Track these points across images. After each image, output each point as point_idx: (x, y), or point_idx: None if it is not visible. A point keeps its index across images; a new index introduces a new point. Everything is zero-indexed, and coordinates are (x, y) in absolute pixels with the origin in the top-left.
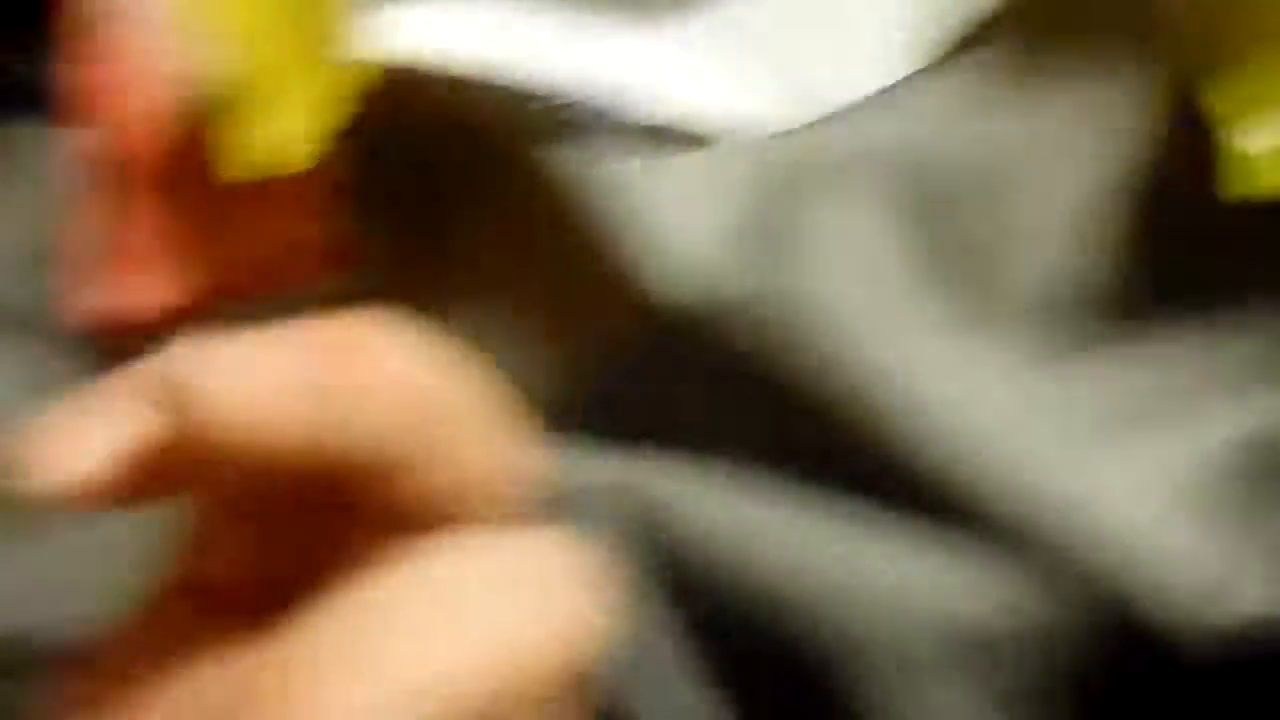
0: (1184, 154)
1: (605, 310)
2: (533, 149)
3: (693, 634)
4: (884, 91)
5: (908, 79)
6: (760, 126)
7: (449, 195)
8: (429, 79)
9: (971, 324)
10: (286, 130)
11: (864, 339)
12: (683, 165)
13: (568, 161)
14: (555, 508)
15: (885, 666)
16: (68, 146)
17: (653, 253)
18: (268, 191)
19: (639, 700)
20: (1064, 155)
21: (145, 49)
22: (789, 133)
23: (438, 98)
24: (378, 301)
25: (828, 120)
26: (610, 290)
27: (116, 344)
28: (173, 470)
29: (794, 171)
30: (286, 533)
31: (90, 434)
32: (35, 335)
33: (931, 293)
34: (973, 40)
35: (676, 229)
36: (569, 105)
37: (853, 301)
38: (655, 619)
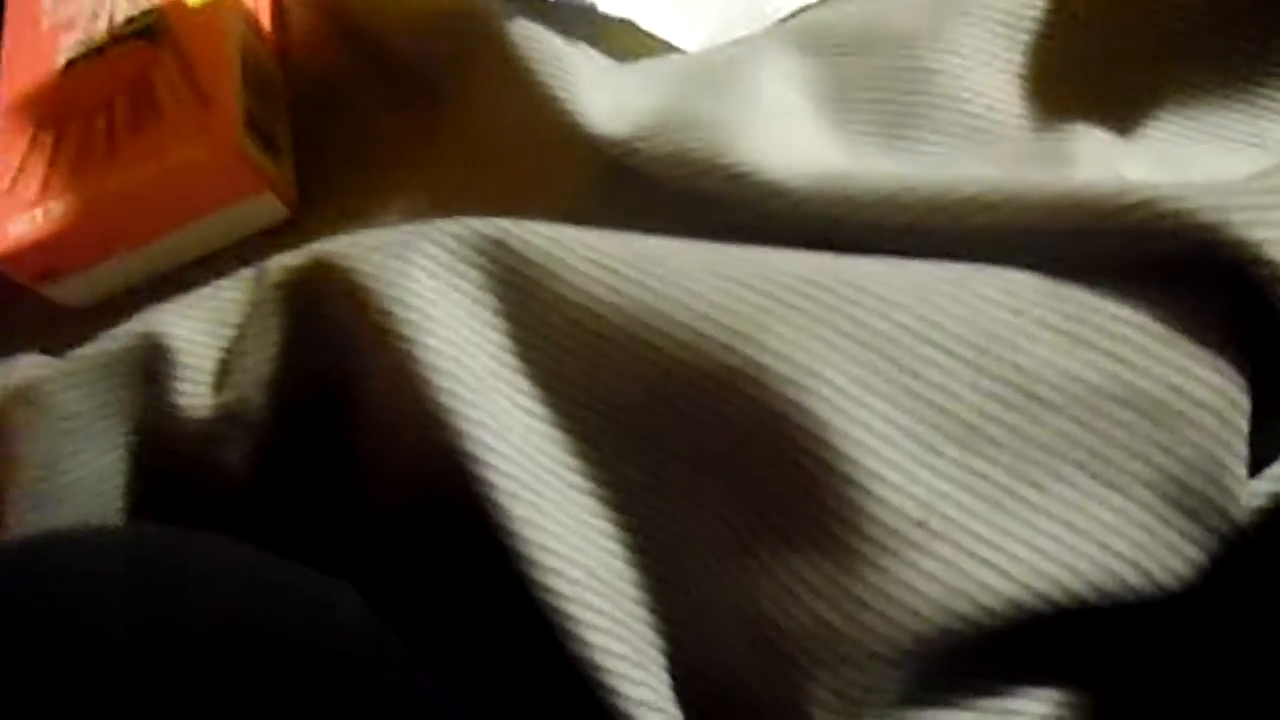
0: None
1: (564, 160)
2: (514, 29)
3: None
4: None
5: None
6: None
7: (439, 74)
8: None
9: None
10: None
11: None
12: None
13: (541, 42)
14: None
15: None
16: None
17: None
18: (154, 114)
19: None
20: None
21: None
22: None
23: None
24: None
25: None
26: (567, 144)
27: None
28: None
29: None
30: None
31: None
32: None
33: (836, 117)
34: None
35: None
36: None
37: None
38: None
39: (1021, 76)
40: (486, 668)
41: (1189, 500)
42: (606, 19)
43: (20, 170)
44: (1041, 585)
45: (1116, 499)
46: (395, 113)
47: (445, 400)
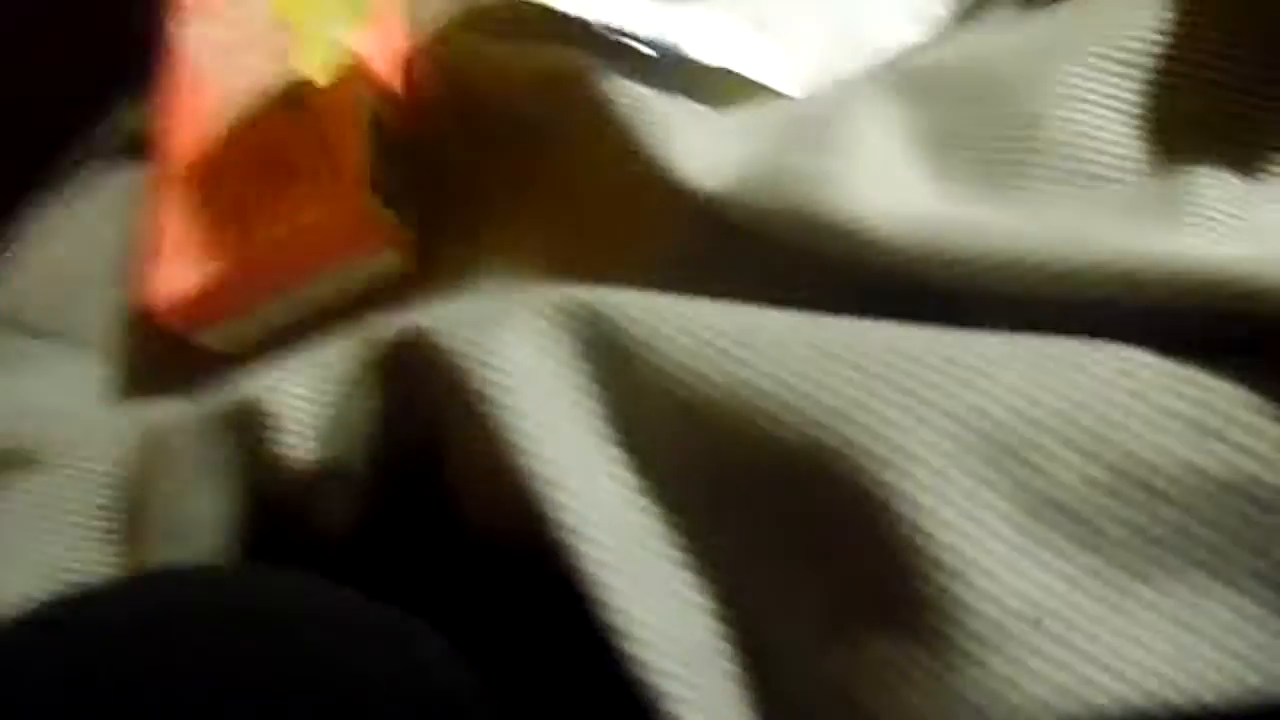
0: None
1: (661, 216)
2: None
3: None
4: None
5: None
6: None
7: (544, 134)
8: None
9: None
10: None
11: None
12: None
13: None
14: None
15: None
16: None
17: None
18: (292, 178)
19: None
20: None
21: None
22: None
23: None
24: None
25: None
26: (663, 199)
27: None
28: None
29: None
30: None
31: None
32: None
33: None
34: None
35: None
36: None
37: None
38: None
39: (1141, 119)
40: None
41: None
42: (705, 68)
43: (180, 229)
44: (1154, 685)
45: (1234, 597)
46: (503, 172)
47: (539, 470)
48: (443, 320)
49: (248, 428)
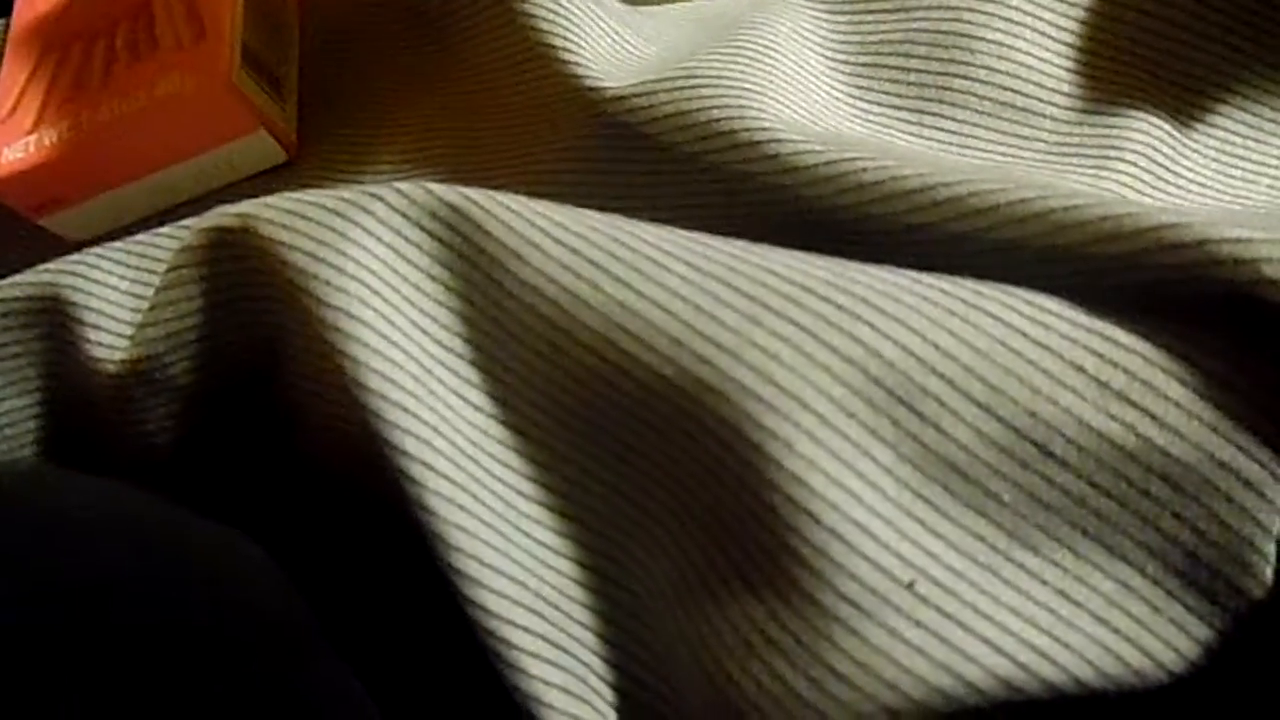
0: None
1: (563, 114)
2: None
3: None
4: None
5: None
6: None
7: (448, 19)
8: None
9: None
10: None
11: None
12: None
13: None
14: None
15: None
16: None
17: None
18: (150, 43)
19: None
20: None
21: None
22: None
23: None
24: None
25: None
26: (566, 96)
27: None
28: None
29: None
30: None
31: None
32: None
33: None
34: None
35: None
36: None
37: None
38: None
39: (1076, 50)
40: (411, 667)
41: (1201, 576)
42: None
43: (21, 97)
44: (1029, 658)
45: (1121, 569)
46: (402, 60)
47: (379, 389)
48: (281, 211)
49: (53, 321)
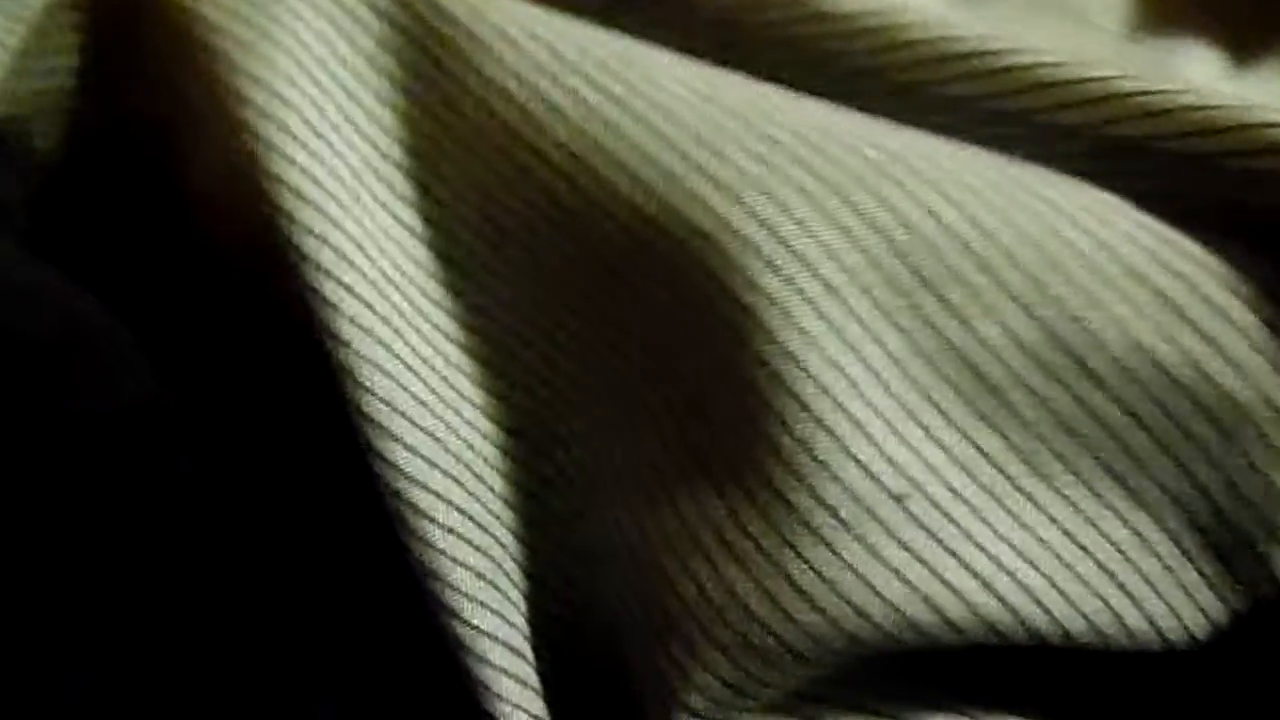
0: None
1: None
2: None
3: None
4: None
5: None
6: None
7: None
8: None
9: None
10: None
11: None
12: None
13: None
14: None
15: None
16: None
17: None
18: None
19: None
20: None
21: None
22: None
23: None
24: None
25: None
26: None
27: None
28: None
29: None
30: None
31: None
32: None
33: None
34: None
35: None
36: None
37: None
38: None
39: None
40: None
41: (1225, 539)
42: None
43: None
44: (1020, 603)
45: (1139, 519)
46: None
47: (293, 181)
48: None
49: None
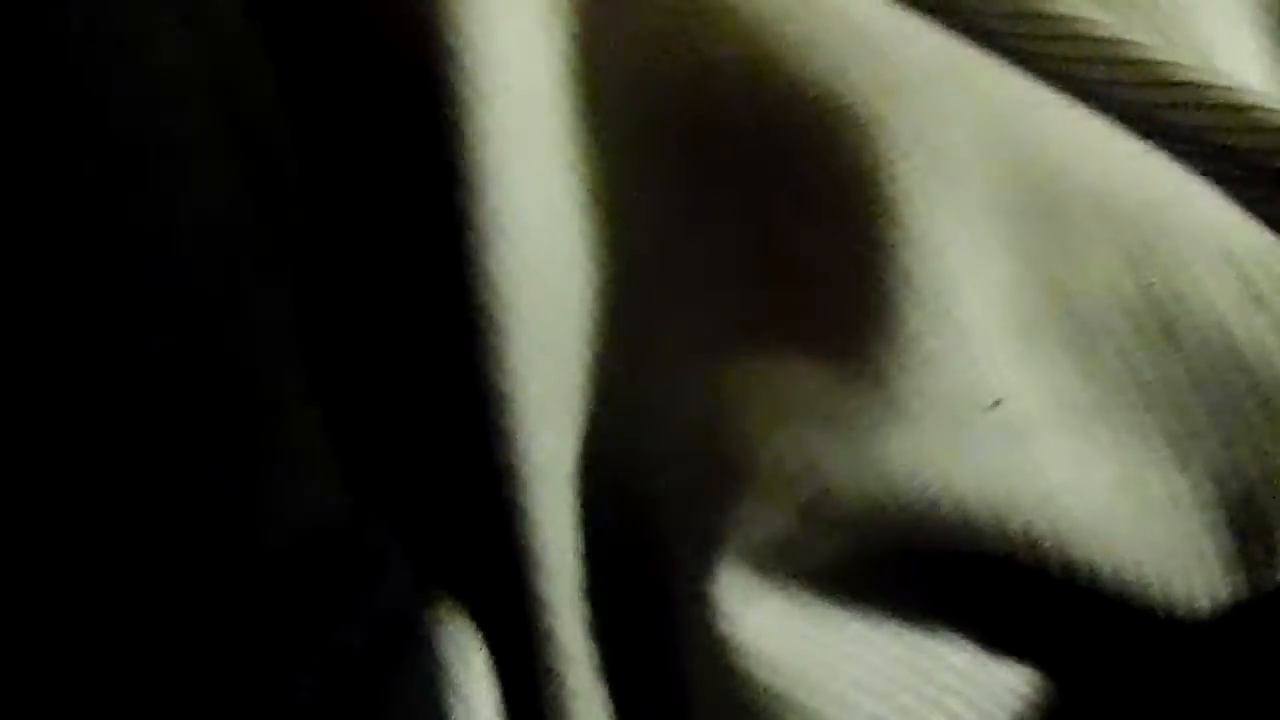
0: None
1: None
2: None
3: None
4: None
5: None
6: None
7: None
8: None
9: None
10: None
11: None
12: None
13: None
14: None
15: None
16: None
17: None
18: None
19: None
20: None
21: None
22: None
23: None
24: None
25: None
26: None
27: None
28: None
29: None
30: None
31: None
32: None
33: None
34: None
35: None
36: None
37: None
38: None
39: None
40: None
41: (1247, 522)
42: None
43: None
44: (1069, 531)
45: (1178, 482)
46: None
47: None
48: None
49: None
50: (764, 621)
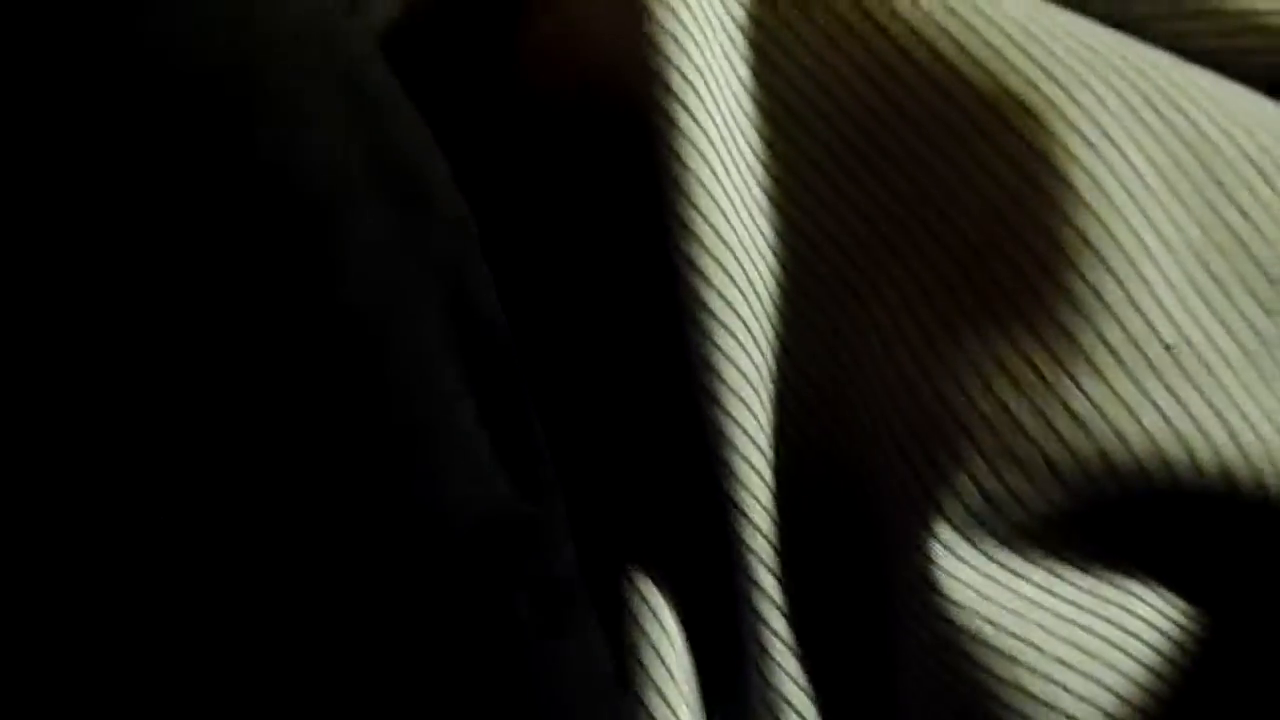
0: None
1: None
2: None
3: None
4: None
5: None
6: None
7: None
8: None
9: None
10: None
11: None
12: None
13: None
14: None
15: None
16: None
17: None
18: None
19: None
20: None
21: None
22: None
23: None
24: None
25: None
26: None
27: None
28: None
29: None
30: None
31: None
32: None
33: None
34: None
35: None
36: None
37: None
38: None
39: None
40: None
41: None
42: None
43: None
44: (1258, 455)
45: None
46: None
47: (671, 26)
48: None
49: None
50: (970, 574)
